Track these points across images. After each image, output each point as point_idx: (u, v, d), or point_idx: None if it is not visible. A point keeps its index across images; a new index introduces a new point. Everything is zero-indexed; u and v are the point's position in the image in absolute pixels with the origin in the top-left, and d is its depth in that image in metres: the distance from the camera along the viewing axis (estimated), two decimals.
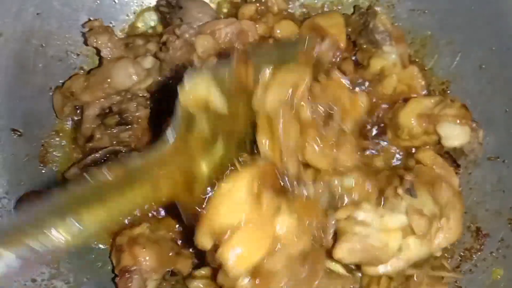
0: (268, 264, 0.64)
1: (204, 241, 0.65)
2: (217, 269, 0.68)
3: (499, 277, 0.82)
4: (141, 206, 0.63)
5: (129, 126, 0.89)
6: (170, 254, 0.82)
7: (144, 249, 0.80)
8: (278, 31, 1.00)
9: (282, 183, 0.69)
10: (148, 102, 0.91)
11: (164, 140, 0.65)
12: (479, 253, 0.86)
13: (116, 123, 0.89)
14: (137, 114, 0.89)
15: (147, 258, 0.80)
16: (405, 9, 0.99)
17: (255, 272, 0.64)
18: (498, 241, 0.85)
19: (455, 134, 0.83)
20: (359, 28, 0.96)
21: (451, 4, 0.95)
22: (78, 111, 0.92)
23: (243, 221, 0.63)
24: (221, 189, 0.65)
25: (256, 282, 0.64)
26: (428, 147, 0.86)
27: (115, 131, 0.88)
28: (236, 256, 0.62)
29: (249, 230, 0.63)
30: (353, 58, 0.97)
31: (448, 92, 0.97)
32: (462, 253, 0.87)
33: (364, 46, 0.94)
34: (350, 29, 0.97)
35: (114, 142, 0.87)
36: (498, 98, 0.91)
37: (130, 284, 0.80)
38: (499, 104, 0.90)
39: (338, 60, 0.93)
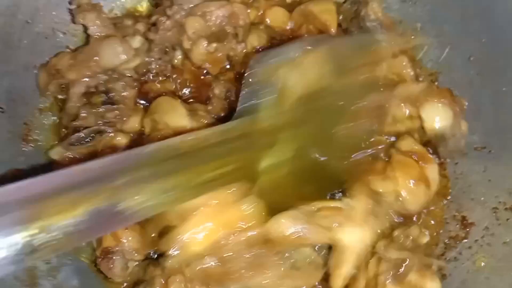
0: (230, 245, 0.67)
1: None
2: None
3: (483, 264, 0.82)
4: (214, 184, 0.62)
5: (116, 105, 0.87)
6: (153, 235, 0.80)
7: (126, 230, 0.79)
8: (268, 20, 1.00)
9: None
10: (135, 83, 0.90)
11: (245, 117, 0.65)
12: (464, 241, 0.86)
13: (102, 102, 0.87)
14: (124, 93, 0.88)
15: (130, 238, 0.79)
16: (396, 0, 1.00)
17: (218, 253, 0.67)
18: (483, 229, 0.85)
19: (437, 115, 0.83)
20: (351, 16, 0.96)
21: None
22: (63, 90, 0.90)
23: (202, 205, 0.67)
24: None
25: (219, 263, 0.67)
26: (408, 135, 0.86)
27: (100, 110, 0.86)
28: (192, 235, 0.67)
29: (207, 212, 0.67)
30: None
31: (437, 83, 0.98)
32: (447, 241, 0.88)
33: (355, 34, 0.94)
34: (341, 17, 0.97)
35: (99, 122, 0.85)
36: (486, 90, 0.91)
37: (112, 265, 0.79)
38: (487, 95, 0.91)
39: None
